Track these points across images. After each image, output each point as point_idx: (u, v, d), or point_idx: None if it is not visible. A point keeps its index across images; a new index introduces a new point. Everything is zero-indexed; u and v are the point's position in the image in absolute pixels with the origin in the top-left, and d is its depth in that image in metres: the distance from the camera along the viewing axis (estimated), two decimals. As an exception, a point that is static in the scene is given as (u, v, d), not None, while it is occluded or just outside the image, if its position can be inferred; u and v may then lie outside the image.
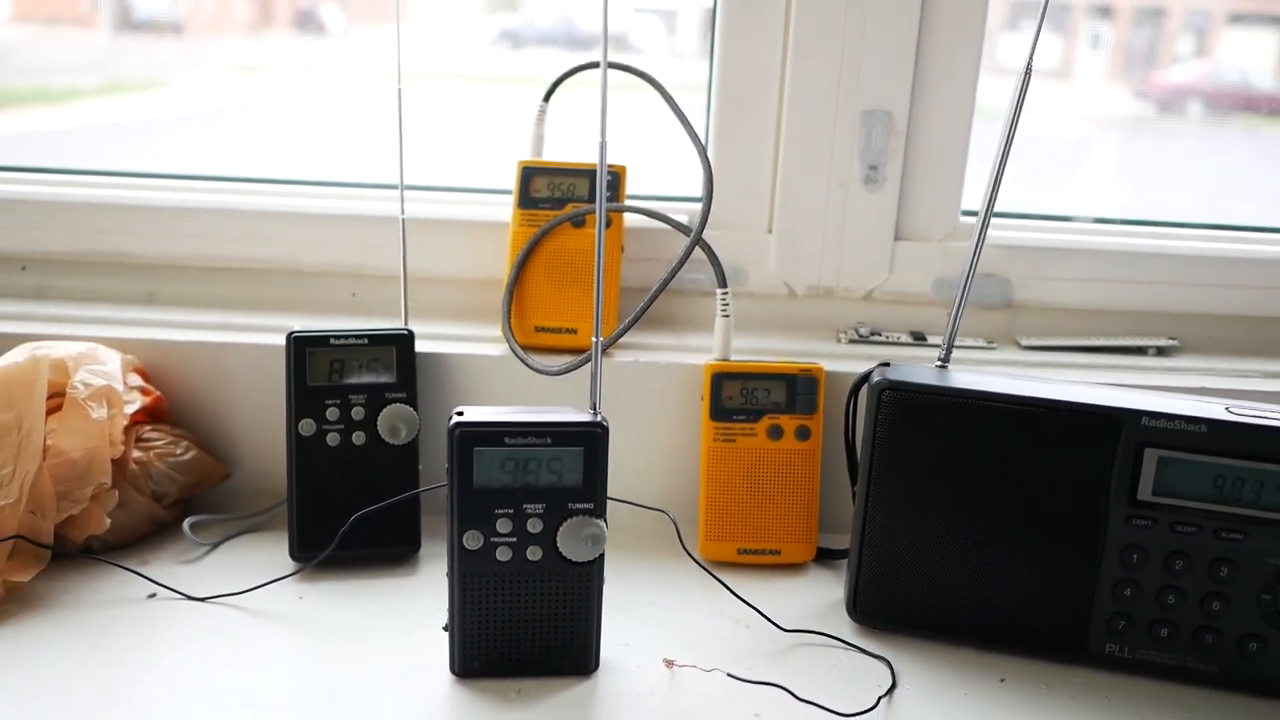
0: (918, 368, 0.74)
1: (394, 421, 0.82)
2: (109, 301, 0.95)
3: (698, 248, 0.86)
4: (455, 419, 0.65)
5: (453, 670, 0.69)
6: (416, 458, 0.83)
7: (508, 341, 0.86)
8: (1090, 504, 0.69)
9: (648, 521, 0.83)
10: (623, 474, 0.80)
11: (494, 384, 0.88)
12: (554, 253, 0.89)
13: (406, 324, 0.86)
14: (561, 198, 0.89)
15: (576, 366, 0.82)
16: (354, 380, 0.82)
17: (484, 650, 0.68)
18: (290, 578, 0.79)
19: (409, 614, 0.76)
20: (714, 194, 0.88)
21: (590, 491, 0.66)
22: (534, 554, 0.66)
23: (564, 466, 0.65)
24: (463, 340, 0.90)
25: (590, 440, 0.65)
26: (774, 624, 0.75)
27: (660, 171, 0.98)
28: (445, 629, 0.69)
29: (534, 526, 0.66)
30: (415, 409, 0.82)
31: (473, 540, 0.66)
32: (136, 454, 0.82)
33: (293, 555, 0.81)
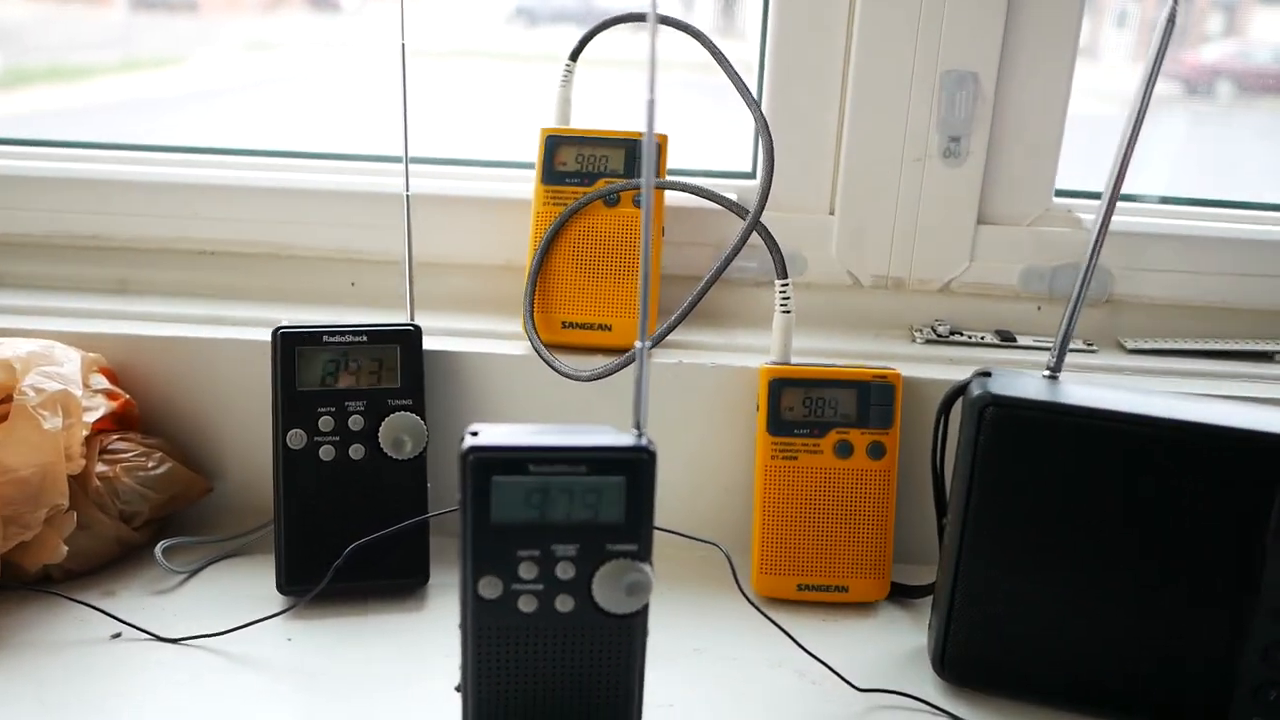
0: (1023, 377, 0.62)
1: (398, 433, 0.70)
2: (74, 290, 0.83)
3: (754, 232, 0.74)
4: (469, 441, 0.53)
5: None
6: (424, 475, 0.71)
7: (530, 340, 0.74)
8: (1241, 548, 0.57)
9: (692, 551, 0.71)
10: (663, 495, 0.68)
11: (514, 389, 0.76)
12: (583, 236, 0.76)
13: (412, 318, 0.74)
14: (592, 172, 0.77)
15: (614, 370, 0.70)
16: (351, 384, 0.70)
17: (503, 717, 0.56)
18: (278, 617, 0.68)
19: (416, 660, 0.64)
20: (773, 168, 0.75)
21: (633, 530, 0.54)
22: (564, 604, 0.54)
23: (601, 500, 0.53)
24: (478, 337, 0.78)
25: (634, 469, 0.53)
26: (846, 682, 0.63)
27: (699, 150, 0.86)
28: (457, 690, 0.57)
29: (564, 571, 0.54)
30: (423, 418, 0.70)
31: (490, 588, 0.54)
32: (101, 468, 0.71)
33: (280, 588, 0.70)
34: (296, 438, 0.69)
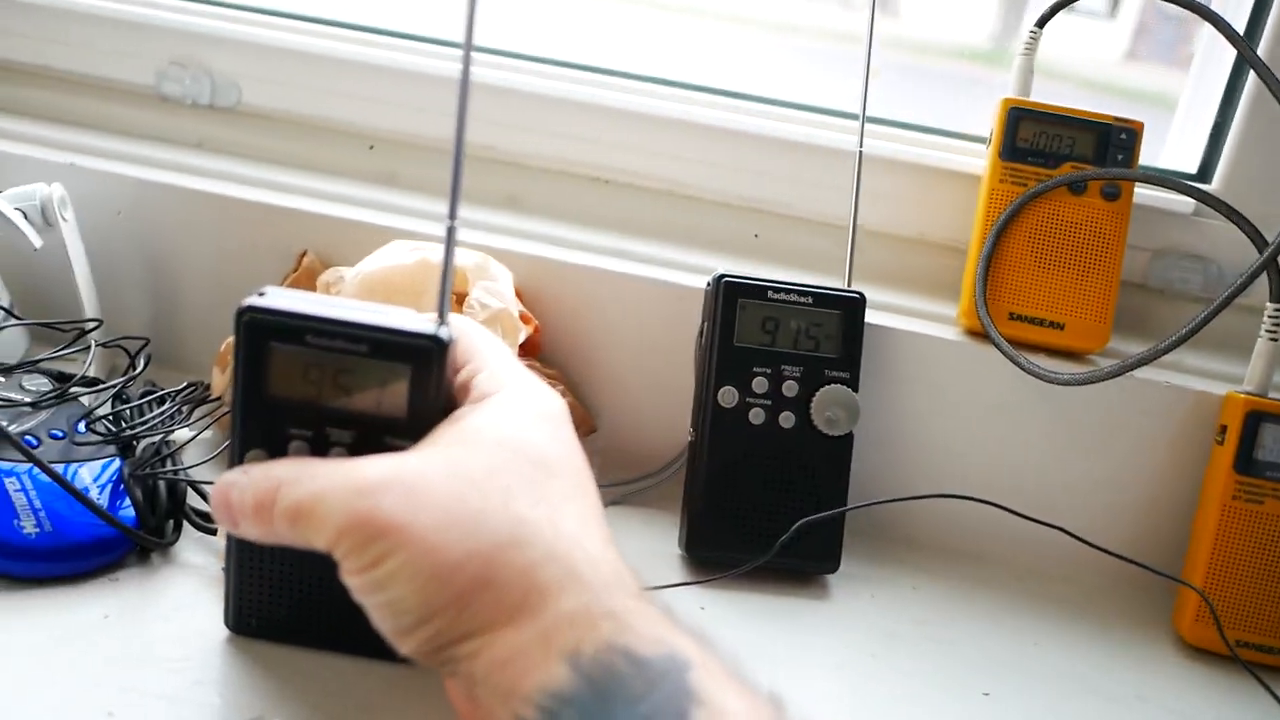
0: None
1: (832, 407, 0.65)
2: (465, 199, 0.78)
3: (1235, 233, 0.66)
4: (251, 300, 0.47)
5: None
6: (849, 455, 0.66)
7: (986, 328, 0.68)
8: None
9: (1103, 571, 0.67)
10: (1089, 505, 0.67)
11: (950, 377, 0.70)
12: (1042, 223, 0.70)
13: (850, 284, 0.69)
14: (1056, 153, 0.70)
15: (1101, 378, 0.63)
16: (789, 347, 0.65)
17: None
18: (697, 585, 0.63)
19: (826, 652, 0.60)
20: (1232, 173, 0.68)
21: None
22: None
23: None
24: (911, 315, 0.72)
25: (423, 359, 0.47)
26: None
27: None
28: None
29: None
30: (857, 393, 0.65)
31: None
32: (511, 394, 0.67)
33: (686, 548, 0.65)
34: (728, 395, 0.65)
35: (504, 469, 0.43)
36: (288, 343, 0.47)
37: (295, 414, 0.48)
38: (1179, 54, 0.97)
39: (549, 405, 0.48)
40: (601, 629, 0.38)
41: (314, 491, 0.43)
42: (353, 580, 0.42)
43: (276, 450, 0.48)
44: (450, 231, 0.48)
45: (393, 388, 0.47)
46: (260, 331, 0.47)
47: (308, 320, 0.47)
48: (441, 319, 0.47)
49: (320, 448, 0.48)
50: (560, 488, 0.44)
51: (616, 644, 0.38)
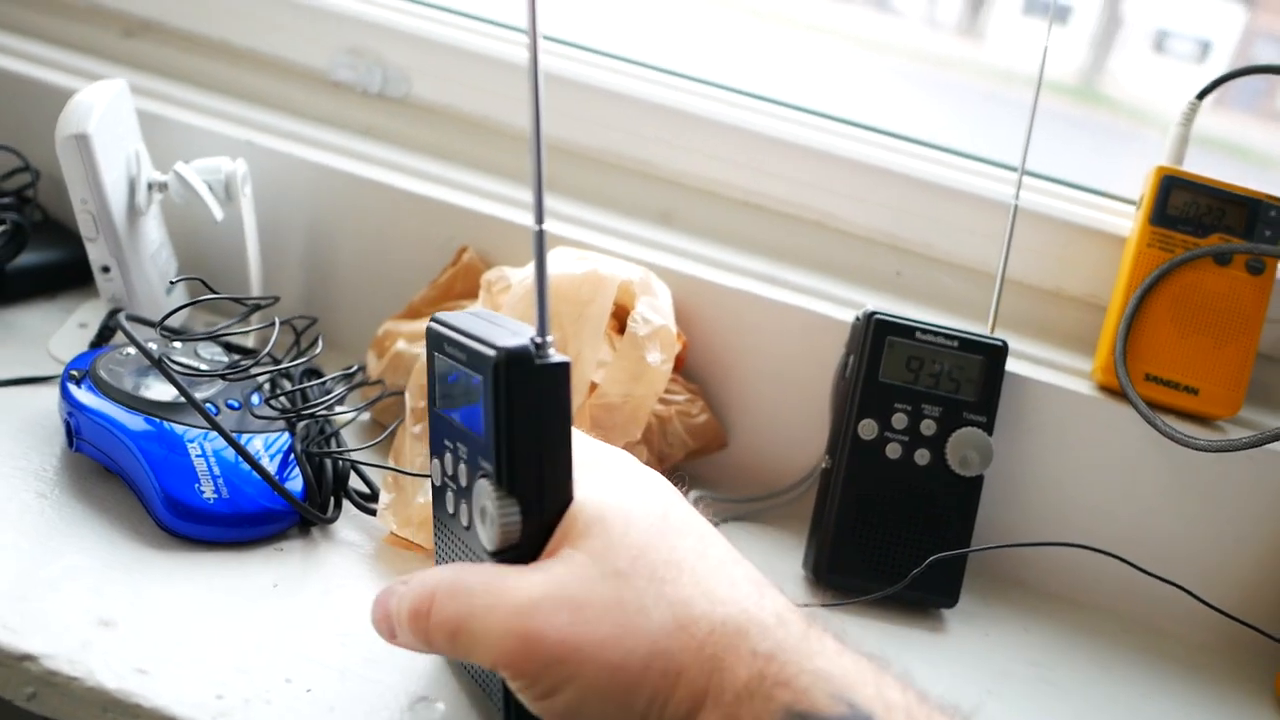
0: None
1: (966, 449, 0.67)
2: (620, 211, 0.81)
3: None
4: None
5: None
6: (978, 497, 0.68)
7: (1124, 387, 0.70)
8: None
9: (1213, 630, 0.69)
10: (1204, 565, 0.70)
11: (1086, 432, 0.72)
12: (1186, 289, 0.71)
13: (993, 331, 0.71)
14: (1206, 224, 0.72)
15: (1239, 448, 0.65)
16: (931, 388, 0.68)
17: None
18: (822, 608, 0.66)
19: (951, 683, 0.62)
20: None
21: None
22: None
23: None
24: (1043, 365, 0.74)
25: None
26: None
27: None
28: None
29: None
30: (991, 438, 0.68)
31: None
32: (658, 408, 0.70)
33: (814, 571, 0.68)
34: (868, 428, 0.67)
35: (642, 550, 0.41)
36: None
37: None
38: (1262, 106, 0.99)
39: (625, 458, 0.47)
40: (778, 699, 0.38)
41: (469, 608, 0.41)
42: (530, 705, 0.41)
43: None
44: (539, 235, 0.42)
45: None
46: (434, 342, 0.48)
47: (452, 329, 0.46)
48: (542, 333, 0.43)
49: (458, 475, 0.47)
50: (690, 544, 0.42)
51: (795, 711, 0.38)
